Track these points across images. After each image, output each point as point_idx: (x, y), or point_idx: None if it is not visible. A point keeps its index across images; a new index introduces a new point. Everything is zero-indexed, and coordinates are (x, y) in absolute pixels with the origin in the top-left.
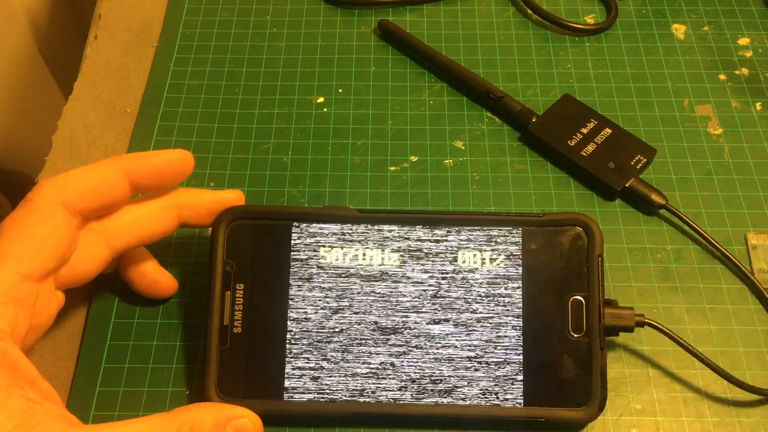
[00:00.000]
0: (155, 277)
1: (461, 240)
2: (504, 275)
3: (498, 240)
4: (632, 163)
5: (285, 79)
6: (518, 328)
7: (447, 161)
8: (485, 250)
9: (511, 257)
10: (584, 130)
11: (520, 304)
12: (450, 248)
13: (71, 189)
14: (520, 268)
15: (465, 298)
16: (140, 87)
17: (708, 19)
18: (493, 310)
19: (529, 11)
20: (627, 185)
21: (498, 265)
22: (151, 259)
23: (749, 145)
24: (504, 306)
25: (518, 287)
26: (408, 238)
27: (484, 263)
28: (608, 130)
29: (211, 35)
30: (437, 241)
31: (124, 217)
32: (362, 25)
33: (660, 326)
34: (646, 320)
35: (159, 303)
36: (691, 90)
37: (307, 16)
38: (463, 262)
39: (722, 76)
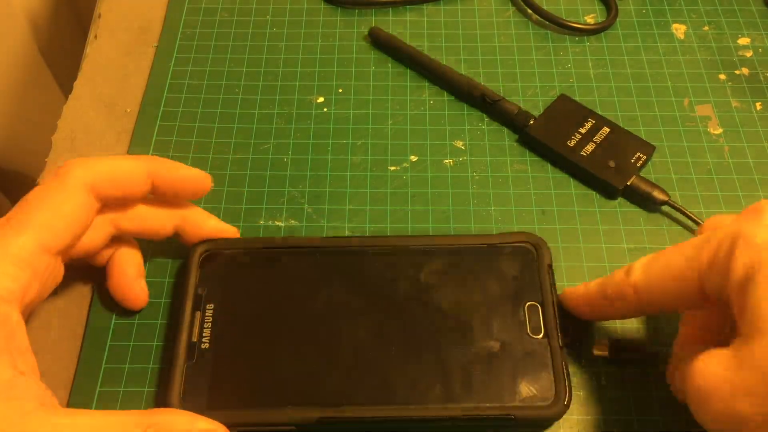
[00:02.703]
0: (134, 282)
1: (420, 261)
2: (462, 289)
3: (456, 258)
4: (632, 160)
5: (285, 79)
6: (480, 333)
7: (447, 161)
8: (446, 269)
9: (466, 273)
10: (582, 130)
11: (479, 314)
12: (412, 268)
13: (99, 174)
14: (476, 283)
15: (427, 312)
16: (140, 87)
17: (708, 18)
18: (455, 320)
19: (529, 11)
20: (629, 183)
21: (456, 280)
22: (140, 266)
23: (749, 145)
24: (466, 316)
25: (476, 299)
26: (370, 263)
27: (444, 279)
28: (606, 129)
29: (211, 35)
30: (398, 265)
31: (133, 208)
32: (362, 25)
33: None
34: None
35: (159, 303)
36: (691, 90)
37: (307, 16)
38: (425, 279)
39: (722, 76)
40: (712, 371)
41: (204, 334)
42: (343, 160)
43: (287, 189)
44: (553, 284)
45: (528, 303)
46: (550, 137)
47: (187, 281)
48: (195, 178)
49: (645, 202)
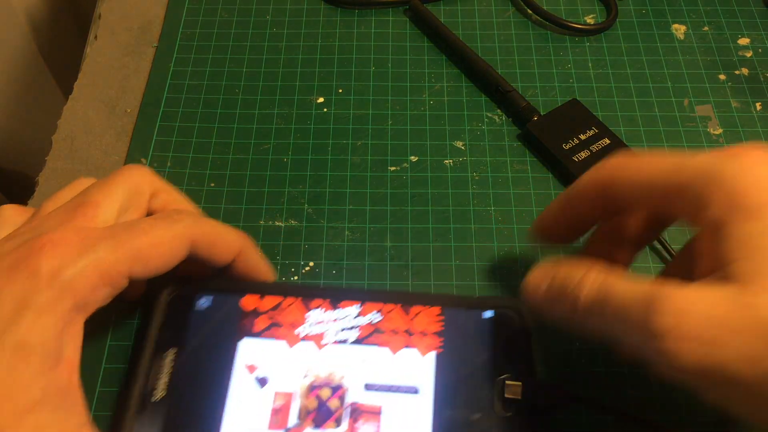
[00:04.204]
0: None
1: (389, 320)
2: (429, 356)
3: (426, 320)
4: None
5: (285, 79)
6: (448, 408)
7: (447, 161)
8: (412, 330)
9: (436, 337)
10: (582, 137)
11: (449, 385)
12: (379, 328)
13: (203, 234)
14: (446, 349)
15: (393, 377)
16: (140, 87)
17: (708, 19)
18: (419, 388)
19: (529, 11)
20: None
21: (422, 345)
22: None
23: None
24: (431, 386)
25: (444, 368)
26: (340, 315)
27: (409, 342)
28: (606, 140)
29: (211, 35)
30: (368, 321)
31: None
32: (362, 25)
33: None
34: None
35: None
36: (691, 90)
37: (307, 16)
38: (390, 341)
39: (722, 76)
40: (697, 311)
41: (161, 383)
42: (343, 160)
43: (287, 189)
44: (532, 360)
45: (503, 377)
46: (547, 136)
47: (150, 323)
48: (265, 274)
49: None
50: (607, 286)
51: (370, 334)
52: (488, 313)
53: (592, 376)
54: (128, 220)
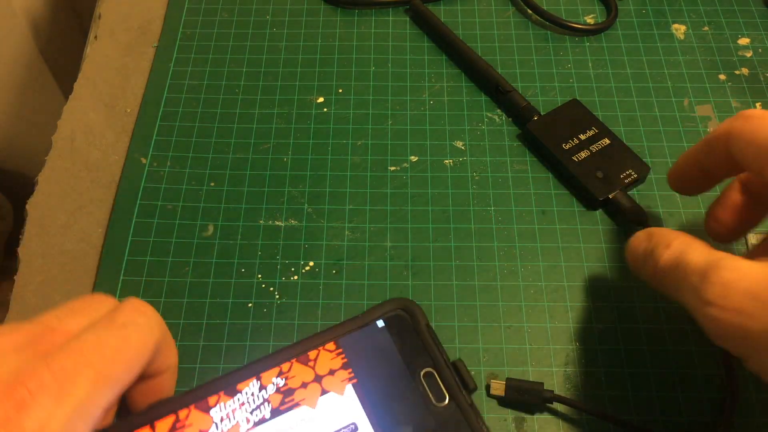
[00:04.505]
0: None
1: (293, 377)
2: (348, 391)
3: (327, 359)
4: (621, 176)
5: (285, 79)
6: (392, 425)
7: (447, 161)
8: (320, 374)
9: (344, 371)
10: (582, 137)
11: (380, 406)
12: (288, 389)
13: (162, 337)
14: (359, 376)
15: (327, 428)
16: (140, 87)
17: (708, 19)
18: (357, 424)
19: (529, 11)
20: (610, 197)
21: (336, 384)
22: None
23: None
24: (365, 416)
25: (368, 394)
26: (244, 398)
27: (323, 388)
28: (606, 141)
29: (211, 35)
30: (275, 389)
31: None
32: (362, 25)
33: (569, 401)
34: (555, 396)
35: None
36: (691, 90)
37: (307, 16)
38: (305, 397)
39: (722, 76)
40: (743, 283)
41: None
42: (343, 160)
43: (287, 189)
44: (438, 343)
45: (422, 371)
46: (547, 136)
47: None
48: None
49: (622, 219)
50: (684, 254)
51: (283, 400)
52: (380, 323)
53: (592, 375)
54: (96, 334)
